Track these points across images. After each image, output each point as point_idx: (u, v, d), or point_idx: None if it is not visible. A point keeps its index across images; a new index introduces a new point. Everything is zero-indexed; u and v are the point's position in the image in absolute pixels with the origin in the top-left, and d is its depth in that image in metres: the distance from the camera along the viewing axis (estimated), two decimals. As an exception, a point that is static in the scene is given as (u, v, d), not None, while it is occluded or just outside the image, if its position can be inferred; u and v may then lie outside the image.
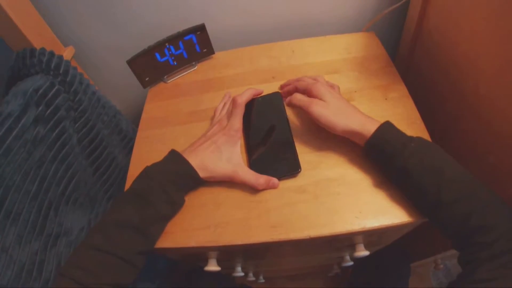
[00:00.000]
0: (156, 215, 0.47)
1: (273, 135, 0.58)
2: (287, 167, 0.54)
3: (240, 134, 0.55)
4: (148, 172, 0.49)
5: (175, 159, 0.51)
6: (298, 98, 0.53)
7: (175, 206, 0.50)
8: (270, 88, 0.65)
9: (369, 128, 0.47)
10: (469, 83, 0.57)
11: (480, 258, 0.37)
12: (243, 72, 0.72)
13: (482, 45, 0.52)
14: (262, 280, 0.95)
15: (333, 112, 0.50)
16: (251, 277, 0.86)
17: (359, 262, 0.81)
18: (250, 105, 0.60)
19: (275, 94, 0.62)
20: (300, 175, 0.53)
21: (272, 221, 0.49)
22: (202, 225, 0.50)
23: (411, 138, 0.46)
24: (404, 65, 0.80)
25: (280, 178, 0.53)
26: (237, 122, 0.54)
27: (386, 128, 0.47)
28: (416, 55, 0.76)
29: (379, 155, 0.48)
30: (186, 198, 0.53)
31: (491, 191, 0.41)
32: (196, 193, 0.54)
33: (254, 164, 0.55)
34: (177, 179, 0.49)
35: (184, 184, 0.51)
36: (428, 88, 0.71)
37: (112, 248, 0.43)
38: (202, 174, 0.50)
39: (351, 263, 0.69)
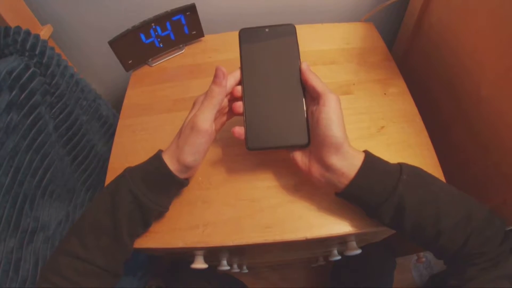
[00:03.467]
0: (125, 219, 0.41)
1: (279, 89, 0.45)
2: (291, 135, 0.43)
3: (205, 136, 0.42)
4: (124, 170, 0.44)
5: (152, 156, 0.44)
6: (319, 80, 0.43)
7: (143, 208, 0.42)
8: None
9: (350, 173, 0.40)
10: (470, 83, 0.55)
11: (474, 263, 0.38)
12: (234, 58, 0.67)
13: (489, 42, 0.50)
14: (245, 270, 0.94)
15: (341, 121, 0.41)
16: (236, 269, 0.85)
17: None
18: (254, 36, 0.48)
19: (288, 27, 0.48)
20: (295, 174, 0.51)
21: (265, 221, 0.48)
22: (190, 224, 0.48)
23: (399, 170, 0.40)
24: (399, 60, 0.77)
25: (281, 148, 0.44)
26: (202, 119, 0.41)
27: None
28: (413, 50, 0.74)
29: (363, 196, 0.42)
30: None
31: (480, 202, 0.40)
32: (183, 190, 0.50)
33: (251, 121, 0.44)
34: (146, 177, 0.43)
35: (156, 183, 0.43)
36: (421, 87, 0.69)
37: (89, 257, 0.41)
38: (177, 171, 0.43)
39: (339, 257, 0.68)
